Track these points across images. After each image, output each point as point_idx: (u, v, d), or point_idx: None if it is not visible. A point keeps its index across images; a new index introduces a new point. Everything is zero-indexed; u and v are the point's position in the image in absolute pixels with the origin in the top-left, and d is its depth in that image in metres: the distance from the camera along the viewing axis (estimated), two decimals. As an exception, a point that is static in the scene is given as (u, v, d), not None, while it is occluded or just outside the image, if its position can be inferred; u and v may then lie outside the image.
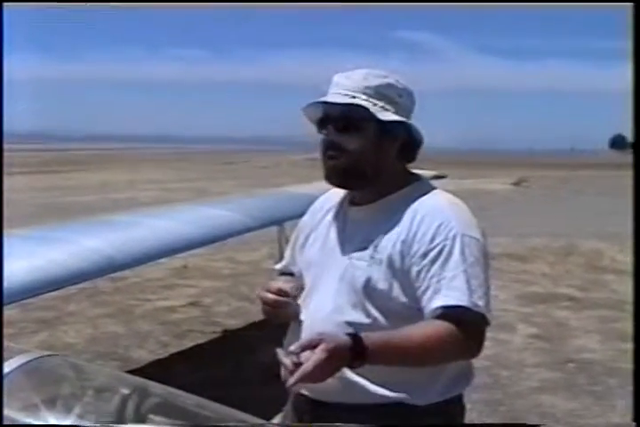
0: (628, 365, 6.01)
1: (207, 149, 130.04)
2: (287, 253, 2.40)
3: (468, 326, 1.92)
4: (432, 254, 1.98)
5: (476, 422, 4.78)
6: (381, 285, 2.02)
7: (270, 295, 2.11)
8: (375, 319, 2.03)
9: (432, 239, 1.99)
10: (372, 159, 2.08)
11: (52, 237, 4.14)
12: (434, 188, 2.17)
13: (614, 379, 5.69)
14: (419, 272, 1.98)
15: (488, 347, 6.71)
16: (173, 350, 6.57)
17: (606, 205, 21.44)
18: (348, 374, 2.00)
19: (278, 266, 2.42)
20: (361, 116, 2.04)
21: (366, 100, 2.05)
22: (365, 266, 2.04)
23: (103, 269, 3.85)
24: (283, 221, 5.72)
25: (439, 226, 2.00)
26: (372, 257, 2.04)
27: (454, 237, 1.98)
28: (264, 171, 42.31)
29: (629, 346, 6.53)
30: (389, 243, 2.03)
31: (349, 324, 2.03)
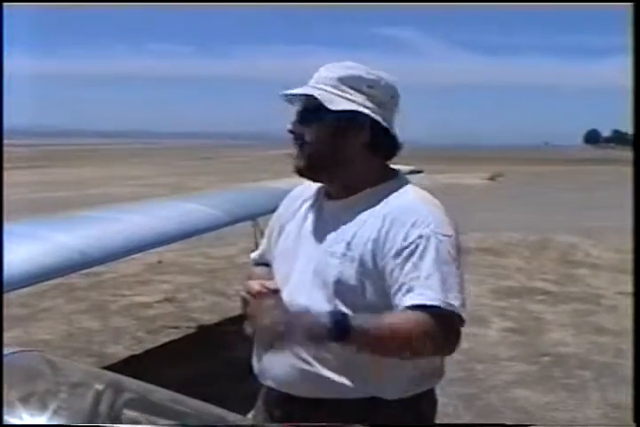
0: (602, 358, 6.08)
1: (184, 144, 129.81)
2: (263, 243, 2.40)
3: (442, 326, 1.88)
4: (406, 253, 1.94)
5: (451, 416, 4.82)
6: (352, 282, 2.00)
7: (255, 286, 2.06)
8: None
9: (405, 237, 1.96)
10: (330, 150, 2.07)
11: (25, 233, 4.11)
12: (409, 185, 2.15)
13: (589, 372, 5.74)
14: (392, 270, 1.95)
15: (463, 341, 6.72)
16: (149, 345, 6.55)
17: (580, 200, 21.61)
18: (318, 368, 2.03)
19: (254, 255, 2.42)
20: (316, 107, 2.03)
21: (322, 90, 2.04)
22: (338, 263, 2.02)
23: (77, 264, 3.82)
24: (258, 216, 5.69)
25: (413, 224, 1.97)
26: (344, 254, 2.02)
27: (428, 236, 1.95)
28: (241, 166, 42.25)
29: (603, 339, 6.61)
30: (362, 240, 2.01)
31: None
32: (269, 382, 2.17)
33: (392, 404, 2.07)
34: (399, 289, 1.92)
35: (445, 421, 4.66)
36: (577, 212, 18.01)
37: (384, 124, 2.08)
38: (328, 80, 2.06)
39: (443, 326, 1.88)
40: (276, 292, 2.04)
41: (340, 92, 2.04)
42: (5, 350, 1.81)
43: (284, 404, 2.15)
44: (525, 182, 31.20)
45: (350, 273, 2.00)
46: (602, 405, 5.07)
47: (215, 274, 9.54)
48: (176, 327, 7.11)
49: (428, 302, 1.87)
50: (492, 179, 32.66)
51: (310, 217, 2.20)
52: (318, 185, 2.22)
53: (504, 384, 5.49)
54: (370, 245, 1.99)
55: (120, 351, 6.34)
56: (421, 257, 1.93)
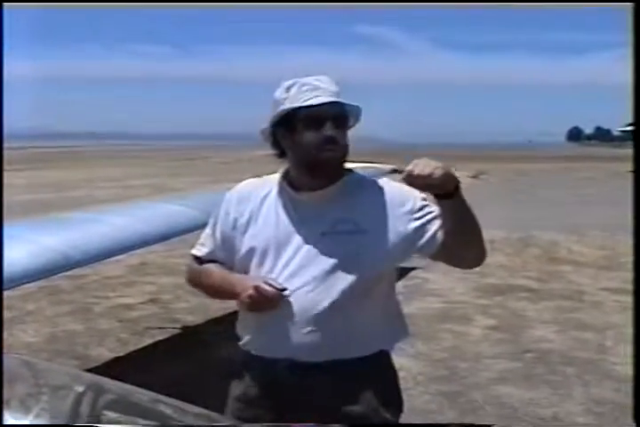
0: (585, 354, 6.11)
1: (167, 145, 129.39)
2: (209, 241, 2.58)
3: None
4: (424, 211, 2.38)
5: (435, 413, 4.84)
6: (367, 251, 2.33)
7: (269, 290, 2.32)
8: (365, 281, 2.34)
9: (407, 199, 2.39)
10: (347, 152, 2.43)
11: (7, 235, 4.09)
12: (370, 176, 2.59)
13: (571, 368, 5.77)
14: (422, 225, 2.36)
15: (446, 339, 6.80)
16: (133, 347, 6.54)
17: (563, 197, 21.70)
18: (329, 329, 2.33)
19: (200, 253, 2.60)
20: (344, 115, 2.39)
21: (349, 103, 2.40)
22: (348, 238, 2.34)
23: (59, 266, 3.82)
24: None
25: (400, 188, 2.39)
26: (353, 231, 2.34)
27: (425, 197, 2.40)
28: (224, 167, 42.18)
29: (586, 336, 6.65)
30: (367, 217, 2.36)
31: (343, 292, 2.32)
32: (278, 354, 2.40)
33: (387, 356, 2.53)
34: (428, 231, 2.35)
35: (429, 418, 4.70)
36: (560, 209, 18.11)
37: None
38: (336, 95, 2.38)
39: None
40: (283, 289, 2.32)
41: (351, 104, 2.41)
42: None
43: (294, 371, 2.38)
44: (508, 180, 31.30)
45: (364, 242, 2.34)
46: (585, 400, 5.10)
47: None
48: (160, 329, 7.11)
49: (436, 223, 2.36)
50: (475, 177, 32.71)
51: (283, 208, 2.44)
52: (266, 180, 2.53)
53: (487, 381, 5.52)
54: (382, 219, 2.36)
55: (104, 353, 6.33)
56: (430, 211, 2.38)
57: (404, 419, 2.63)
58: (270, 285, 2.31)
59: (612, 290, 8.46)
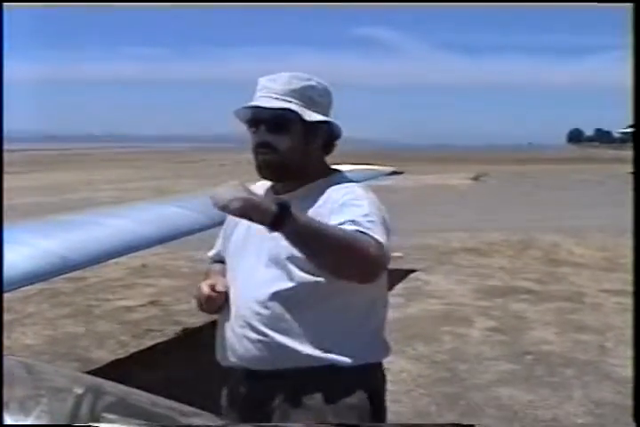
0: (585, 356, 6.11)
1: (165, 147, 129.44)
2: (218, 242, 2.63)
3: (376, 252, 2.08)
4: (343, 205, 2.19)
5: (434, 415, 4.84)
6: (298, 260, 2.19)
7: (205, 291, 2.37)
8: (294, 286, 2.23)
9: (339, 200, 2.22)
10: (298, 156, 2.31)
11: (7, 237, 4.09)
12: (350, 180, 2.39)
13: (571, 370, 5.77)
14: (330, 212, 2.19)
15: (447, 341, 6.81)
16: (133, 349, 6.54)
17: (563, 199, 21.72)
18: (276, 338, 2.24)
19: (211, 253, 2.67)
20: (289, 118, 2.28)
21: (294, 103, 2.28)
22: (287, 244, 2.13)
23: (58, 269, 3.82)
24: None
25: (346, 193, 2.25)
26: None
27: (362, 198, 2.23)
28: (222, 169, 42.20)
29: (586, 337, 6.65)
30: None
31: (276, 294, 2.24)
32: (232, 360, 2.35)
33: (350, 371, 2.26)
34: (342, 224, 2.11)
35: (428, 420, 4.70)
36: (560, 210, 18.12)
37: (337, 128, 2.39)
38: (290, 92, 2.29)
39: (376, 253, 2.07)
40: (222, 294, 2.34)
41: (304, 104, 2.30)
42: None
43: (247, 379, 2.34)
44: (509, 182, 31.33)
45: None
46: (585, 402, 5.10)
47: (199, 277, 9.49)
48: (161, 331, 7.11)
49: (366, 231, 2.09)
50: (475, 179, 32.78)
51: None
52: (267, 184, 2.44)
53: (487, 383, 5.51)
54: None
55: (104, 356, 6.33)
56: (358, 206, 2.18)
57: (404, 419, 2.63)
58: (213, 288, 2.36)
59: (612, 292, 8.46)
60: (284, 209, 1.95)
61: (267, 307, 2.25)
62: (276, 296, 2.24)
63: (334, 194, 2.27)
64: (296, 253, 2.14)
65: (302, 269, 2.21)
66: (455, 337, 6.71)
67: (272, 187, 2.42)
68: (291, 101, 2.28)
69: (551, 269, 10.19)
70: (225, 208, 1.95)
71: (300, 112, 2.27)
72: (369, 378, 2.34)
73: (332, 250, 2.04)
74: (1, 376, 1.70)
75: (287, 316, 2.24)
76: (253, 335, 2.27)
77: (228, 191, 1.95)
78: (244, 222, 2.32)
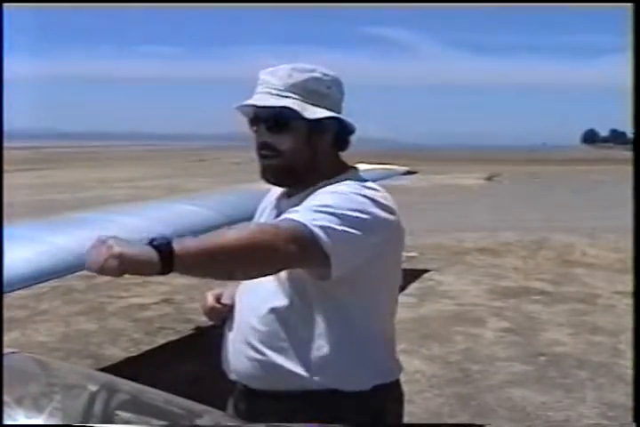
0: (598, 357, 6.08)
1: (179, 146, 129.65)
2: None
3: (292, 234, 1.82)
4: (310, 199, 1.98)
5: (446, 416, 4.83)
6: (296, 270, 2.00)
7: (209, 302, 2.30)
8: (292, 301, 2.05)
9: (316, 197, 2.00)
10: (304, 156, 2.10)
11: (21, 235, 4.11)
12: (363, 179, 2.14)
13: (585, 371, 5.74)
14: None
15: (460, 341, 6.79)
16: (146, 347, 6.55)
17: (577, 200, 21.63)
18: (274, 359, 2.06)
19: None
20: (290, 117, 2.06)
21: (293, 99, 2.06)
22: None
23: (72, 266, 3.83)
24: (253, 218, 5.70)
25: (327, 191, 2.02)
26: None
27: (341, 192, 1.98)
28: (236, 167, 42.23)
29: (599, 339, 6.61)
30: None
31: (273, 310, 2.06)
32: (233, 376, 2.21)
33: (352, 396, 2.06)
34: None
35: (440, 421, 4.69)
36: (574, 211, 18.05)
37: (348, 123, 2.14)
38: (290, 87, 2.07)
39: (291, 234, 1.82)
40: (226, 306, 2.25)
41: (306, 99, 2.07)
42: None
43: (247, 397, 2.19)
44: (523, 182, 31.25)
45: None
46: (598, 404, 5.07)
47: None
48: (173, 329, 7.12)
49: (286, 217, 1.88)
50: (489, 179, 32.71)
51: (269, 215, 2.24)
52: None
53: (500, 384, 5.49)
54: None
55: (117, 353, 6.34)
56: (321, 200, 1.95)
57: (415, 420, 2.61)
58: (218, 298, 2.28)
59: (625, 293, 8.42)
60: (164, 252, 1.67)
61: (265, 324, 2.07)
62: (274, 312, 2.06)
63: (326, 196, 2.02)
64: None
65: (294, 288, 2.04)
66: (468, 338, 6.68)
67: (285, 189, 2.23)
68: (289, 97, 2.06)
69: (565, 270, 10.15)
70: (101, 271, 1.69)
71: (299, 110, 2.05)
72: (376, 401, 2.11)
73: (227, 260, 1.77)
74: (1, 377, 1.70)
75: (284, 334, 2.06)
76: (251, 353, 2.10)
77: (99, 250, 1.68)
78: (262, 219, 2.28)
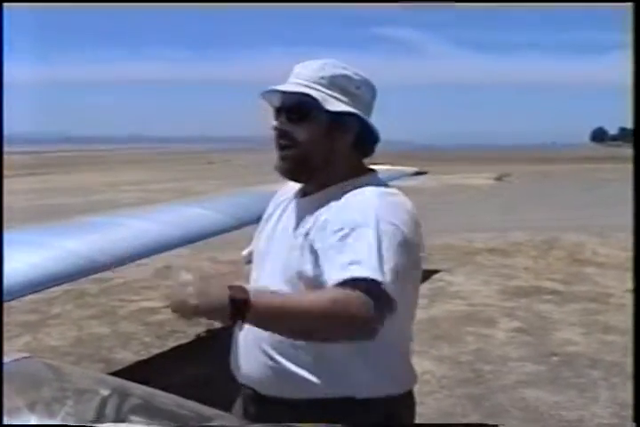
0: (611, 357, 6.06)
1: (187, 148, 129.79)
2: (253, 242, 2.38)
3: (368, 297, 1.75)
4: (342, 233, 1.88)
5: (458, 416, 4.82)
6: (311, 274, 1.96)
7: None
8: None
9: (344, 222, 1.91)
10: (320, 151, 2.07)
11: (32, 239, 4.12)
12: (383, 183, 2.12)
13: (598, 371, 5.73)
14: (328, 250, 1.88)
15: (471, 342, 6.76)
16: (157, 350, 6.56)
17: (587, 198, 21.58)
18: (286, 365, 2.03)
19: (244, 252, 2.42)
20: (311, 106, 2.04)
21: (317, 90, 2.04)
22: (299, 255, 2.00)
23: (84, 270, 3.84)
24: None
25: (357, 210, 1.94)
26: (302, 247, 2.00)
27: (371, 221, 1.89)
28: (245, 170, 42.25)
29: (612, 338, 6.59)
30: (316, 231, 2.00)
31: None
32: (242, 380, 2.18)
33: (365, 404, 2.03)
34: (329, 269, 1.84)
35: (452, 421, 4.68)
36: (584, 210, 18.01)
37: (372, 124, 2.10)
38: (319, 79, 2.05)
39: (367, 298, 1.75)
40: None
41: (333, 93, 2.05)
42: (6, 358, 1.82)
43: (256, 402, 2.15)
44: (533, 182, 31.19)
45: (309, 262, 1.97)
46: (611, 404, 5.06)
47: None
48: (184, 332, 7.12)
49: (361, 275, 1.77)
50: (499, 179, 32.65)
51: (282, 216, 2.21)
52: (297, 185, 2.21)
53: (513, 384, 5.48)
54: (321, 237, 1.96)
55: (128, 357, 6.35)
56: (358, 239, 1.86)
57: (427, 421, 2.59)
58: None
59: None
60: (238, 302, 1.68)
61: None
62: None
63: (343, 207, 1.99)
64: (303, 269, 1.97)
65: (310, 287, 1.97)
66: (479, 338, 6.67)
67: (301, 188, 2.19)
68: (314, 88, 2.04)
69: (576, 270, 10.13)
70: (178, 314, 1.73)
71: (320, 99, 2.02)
72: (389, 409, 2.07)
73: (304, 326, 1.77)
74: (1, 378, 1.70)
75: (293, 341, 1.98)
76: (263, 359, 2.07)
77: (179, 296, 1.71)
78: (271, 221, 2.24)
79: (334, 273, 1.80)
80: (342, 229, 1.89)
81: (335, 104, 2.04)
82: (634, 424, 3.31)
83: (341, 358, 2.00)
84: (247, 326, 1.96)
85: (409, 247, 1.93)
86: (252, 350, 2.10)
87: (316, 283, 1.92)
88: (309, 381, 2.02)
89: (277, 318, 1.75)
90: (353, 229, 1.87)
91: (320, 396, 2.02)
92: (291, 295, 1.88)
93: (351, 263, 1.80)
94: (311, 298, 1.79)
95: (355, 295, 1.74)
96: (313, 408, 2.00)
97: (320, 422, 1.90)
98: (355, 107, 2.06)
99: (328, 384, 2.01)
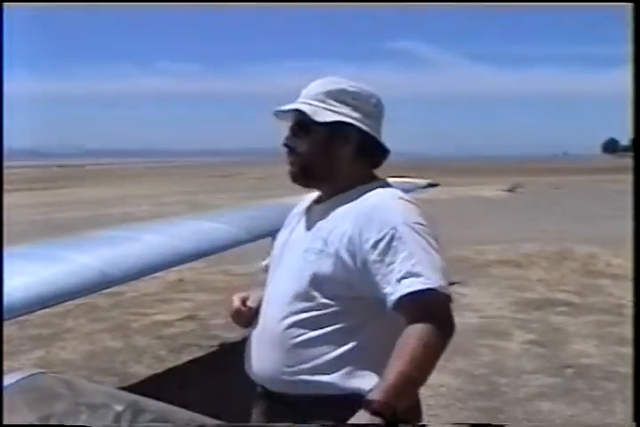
0: (626, 369, 6.02)
1: (200, 162, 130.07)
2: (271, 251, 2.48)
3: (438, 307, 1.99)
4: (382, 245, 2.02)
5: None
6: (330, 274, 2.08)
7: (235, 304, 2.37)
8: (317, 308, 2.10)
9: (379, 230, 2.04)
10: (322, 161, 2.22)
11: (45, 253, 4.13)
12: (387, 187, 2.25)
13: (613, 383, 5.69)
14: (374, 263, 2.02)
15: (485, 354, 6.72)
16: (170, 364, 6.55)
17: (599, 210, 21.50)
18: (292, 361, 2.11)
19: (263, 263, 2.52)
20: (308, 121, 2.19)
21: (310, 105, 2.20)
22: (315, 258, 2.11)
23: (97, 284, 3.83)
24: (276, 233, 5.70)
25: (383, 218, 2.06)
26: (321, 251, 2.11)
27: (400, 225, 2.03)
28: (258, 183, 42.31)
29: (627, 350, 6.54)
30: (336, 237, 2.10)
31: (298, 315, 2.11)
32: (254, 378, 2.27)
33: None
34: (388, 282, 1.99)
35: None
36: (596, 221, 17.94)
37: (371, 132, 2.22)
38: (314, 95, 2.22)
39: (437, 308, 1.99)
40: (252, 309, 2.31)
41: (326, 106, 2.20)
42: (20, 374, 1.82)
43: (266, 399, 2.24)
44: (544, 193, 31.12)
45: (327, 266, 2.09)
46: (626, 416, 5.02)
47: (236, 291, 9.52)
48: (198, 345, 7.11)
49: (421, 287, 1.95)
50: (511, 190, 32.58)
51: (297, 225, 2.32)
52: (316, 194, 2.35)
53: (528, 397, 5.45)
54: (345, 241, 2.08)
55: (142, 371, 6.34)
56: (399, 247, 2.01)
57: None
58: (244, 301, 2.35)
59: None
60: (386, 415, 1.84)
61: (286, 327, 2.13)
62: (297, 317, 2.12)
63: (367, 215, 2.09)
64: (319, 272, 2.09)
65: (321, 292, 2.10)
66: (493, 350, 6.64)
67: (316, 197, 2.32)
68: (308, 103, 2.21)
69: (589, 281, 10.09)
70: None
71: (309, 113, 2.17)
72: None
73: (425, 367, 1.94)
74: (0, 379, 1.70)
75: (305, 339, 2.10)
76: (272, 356, 2.16)
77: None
78: (287, 229, 2.36)
79: (392, 288, 1.98)
80: (377, 239, 2.03)
81: (325, 115, 2.19)
82: (634, 424, 3.28)
83: (351, 357, 2.08)
84: (260, 327, 2.21)
85: (437, 240, 2.10)
86: (264, 348, 2.19)
87: (336, 283, 2.07)
88: (318, 379, 2.09)
89: (408, 386, 1.91)
90: (389, 240, 2.02)
91: (328, 393, 2.08)
92: (394, 364, 1.92)
93: (405, 277, 1.97)
94: (407, 350, 1.91)
95: (428, 317, 1.94)
96: (321, 405, 2.08)
97: (328, 419, 2.00)
98: (351, 116, 2.20)
99: (337, 382, 2.08)
